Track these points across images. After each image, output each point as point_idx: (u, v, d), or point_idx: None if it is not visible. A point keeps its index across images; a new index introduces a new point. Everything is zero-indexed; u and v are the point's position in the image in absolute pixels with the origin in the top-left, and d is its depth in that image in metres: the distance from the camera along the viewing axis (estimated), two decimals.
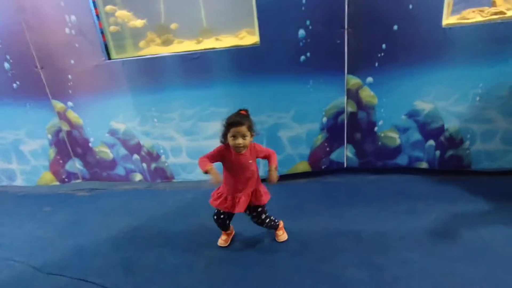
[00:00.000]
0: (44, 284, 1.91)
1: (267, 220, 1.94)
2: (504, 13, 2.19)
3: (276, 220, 1.98)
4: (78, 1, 2.45)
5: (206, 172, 1.74)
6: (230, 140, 1.74)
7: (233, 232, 2.10)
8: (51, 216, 2.69)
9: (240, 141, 1.71)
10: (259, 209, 1.90)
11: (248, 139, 1.74)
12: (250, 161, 1.81)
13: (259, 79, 2.45)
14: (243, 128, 1.70)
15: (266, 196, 1.89)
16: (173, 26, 2.73)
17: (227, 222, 1.98)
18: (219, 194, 1.88)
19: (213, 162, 1.79)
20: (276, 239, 2.01)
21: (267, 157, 1.87)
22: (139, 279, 1.85)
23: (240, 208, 1.82)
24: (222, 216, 1.94)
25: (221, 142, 1.82)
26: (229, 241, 2.04)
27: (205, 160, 1.78)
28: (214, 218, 1.97)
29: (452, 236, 1.89)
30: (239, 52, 2.43)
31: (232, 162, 1.79)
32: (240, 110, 1.79)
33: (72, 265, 2.04)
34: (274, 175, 1.81)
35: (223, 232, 2.04)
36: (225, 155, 1.80)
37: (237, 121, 1.70)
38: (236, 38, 2.59)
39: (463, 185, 2.42)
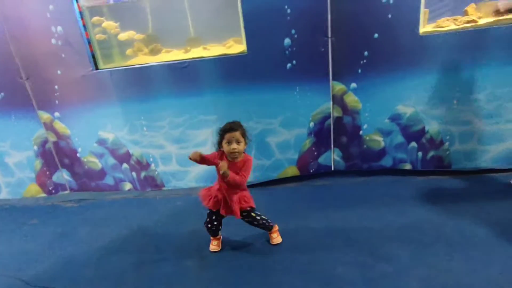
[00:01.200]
0: None
1: (258, 218, 1.97)
2: (476, 22, 2.33)
3: (269, 221, 2.02)
4: (64, 12, 2.45)
5: (190, 158, 1.79)
6: (225, 146, 1.80)
7: (221, 236, 2.12)
8: (38, 228, 2.64)
9: (234, 145, 1.77)
10: (249, 209, 1.94)
11: (242, 145, 1.81)
12: (238, 172, 1.84)
13: (247, 87, 2.51)
14: (237, 134, 1.78)
15: (247, 203, 1.92)
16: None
17: (219, 227, 2.01)
18: (210, 196, 1.90)
19: (202, 161, 1.82)
20: (271, 241, 2.04)
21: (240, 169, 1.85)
22: None
23: (235, 212, 1.87)
24: (215, 222, 1.97)
25: (216, 150, 1.89)
26: (220, 246, 2.06)
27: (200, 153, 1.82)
28: (207, 226, 2.00)
29: (436, 233, 1.98)
30: (227, 60, 2.49)
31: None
32: (233, 121, 1.86)
33: (61, 277, 2.01)
34: (224, 167, 1.74)
35: (213, 238, 2.06)
36: (217, 158, 1.85)
37: (231, 127, 1.79)
38: (223, 47, 2.64)
39: (445, 184, 2.53)
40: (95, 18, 2.60)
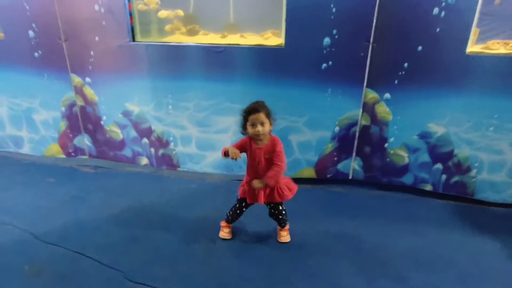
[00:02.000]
0: (42, 252, 1.93)
1: (283, 212, 1.96)
2: None
3: (287, 218, 2.01)
4: None
5: (224, 155, 1.75)
6: (249, 129, 1.75)
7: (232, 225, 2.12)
8: (54, 187, 2.71)
9: (259, 128, 1.71)
10: (280, 205, 1.94)
11: (267, 126, 1.74)
12: (267, 157, 1.80)
13: (278, 81, 2.48)
14: (261, 115, 1.70)
15: (288, 193, 1.88)
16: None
17: (241, 216, 2.02)
18: (243, 184, 1.91)
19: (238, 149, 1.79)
20: (279, 239, 2.03)
21: (273, 160, 1.80)
22: (136, 261, 1.87)
23: (260, 199, 1.85)
24: (244, 209, 1.97)
25: (242, 133, 1.83)
26: (231, 234, 2.05)
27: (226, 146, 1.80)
28: (233, 209, 2.00)
29: (450, 261, 1.91)
30: (263, 51, 2.46)
31: (254, 155, 1.81)
32: (257, 101, 1.79)
33: (71, 238, 2.05)
34: (257, 184, 1.79)
35: (227, 224, 2.06)
36: (247, 146, 1.81)
37: (254, 108, 1.72)
38: (261, 38, 2.61)
39: (465, 211, 2.44)
40: None
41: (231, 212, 2.01)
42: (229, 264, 1.85)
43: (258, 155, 1.80)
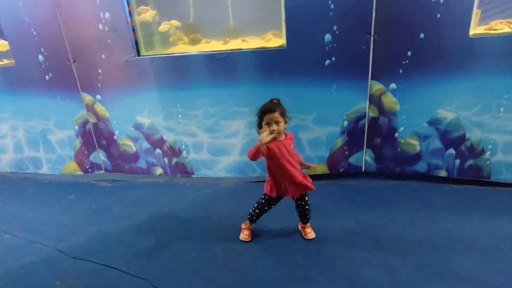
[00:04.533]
0: (71, 268, 2.00)
1: (309, 202, 2.00)
2: None
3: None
4: None
5: (255, 156, 1.76)
6: (264, 128, 1.78)
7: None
8: (75, 204, 2.80)
9: (274, 127, 1.75)
10: (306, 196, 1.98)
11: (282, 125, 1.78)
12: (292, 145, 1.86)
13: (283, 81, 2.51)
14: (276, 114, 1.74)
15: (309, 181, 1.92)
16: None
17: (268, 211, 2.05)
18: (273, 185, 1.92)
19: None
20: (305, 236, 2.06)
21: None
22: (161, 268, 1.93)
23: (295, 193, 1.90)
24: (272, 206, 2.01)
25: (258, 132, 1.86)
26: (250, 237, 2.09)
27: (252, 150, 1.79)
28: (259, 207, 2.02)
29: (469, 244, 1.90)
30: (265, 54, 2.49)
31: (277, 151, 1.80)
32: (272, 99, 1.83)
33: (97, 251, 2.13)
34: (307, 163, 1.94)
35: (247, 226, 2.09)
36: (269, 147, 1.79)
37: (269, 107, 1.76)
38: (262, 40, 2.65)
39: (482, 195, 2.42)
40: (142, 8, 2.68)
41: (257, 210, 2.03)
42: (249, 266, 1.89)
43: (288, 146, 1.83)
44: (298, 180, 1.86)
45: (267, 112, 1.76)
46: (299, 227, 2.11)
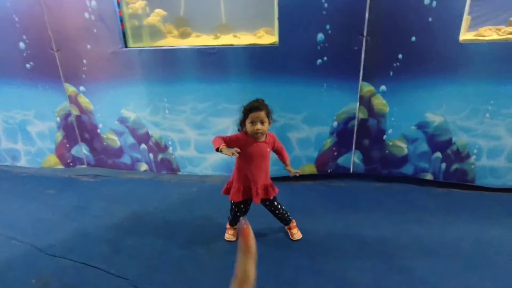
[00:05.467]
0: (48, 265, 1.92)
1: (279, 206, 1.97)
2: None
3: (289, 214, 2.02)
4: None
5: (217, 150, 1.70)
6: (248, 126, 1.75)
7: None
8: (55, 199, 2.69)
9: (259, 126, 1.72)
10: (271, 199, 1.94)
11: (266, 125, 1.76)
12: (268, 150, 1.84)
13: (274, 79, 2.47)
14: (262, 114, 1.71)
15: (274, 191, 1.93)
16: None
17: (243, 215, 1.98)
18: (235, 188, 1.88)
19: (226, 143, 1.77)
20: (291, 237, 2.03)
21: (279, 151, 1.95)
22: (143, 268, 1.87)
23: (258, 199, 1.86)
24: (243, 210, 1.94)
25: (238, 130, 1.84)
26: (236, 236, 2.05)
27: (220, 139, 1.76)
28: (232, 213, 1.98)
29: (454, 248, 1.92)
30: (257, 50, 2.45)
31: (251, 151, 1.79)
32: (257, 99, 1.80)
33: (76, 249, 2.05)
34: (291, 168, 1.95)
35: (231, 226, 2.06)
36: (243, 143, 1.77)
37: (256, 106, 1.72)
38: (254, 37, 2.61)
39: (466, 198, 2.46)
40: None
41: (231, 216, 2.01)
42: (233, 266, 1.85)
43: (262, 149, 1.81)
44: (256, 186, 1.84)
45: (254, 110, 1.72)
46: (285, 228, 2.08)
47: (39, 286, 1.76)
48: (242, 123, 1.80)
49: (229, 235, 2.05)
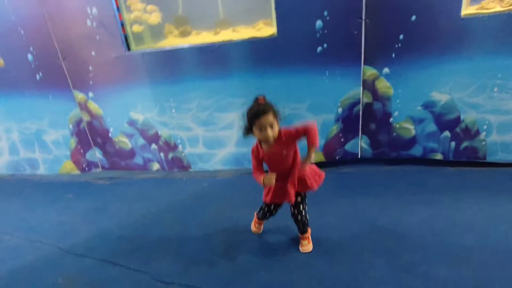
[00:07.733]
0: (73, 264, 2.02)
1: (303, 213, 1.81)
2: None
3: (308, 223, 1.87)
4: None
5: (263, 185, 1.63)
6: (257, 133, 1.56)
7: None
8: (73, 202, 2.80)
9: (269, 132, 1.53)
10: (300, 198, 1.78)
11: (276, 127, 1.56)
12: (284, 152, 1.62)
13: (276, 70, 2.49)
14: (270, 117, 1.51)
15: (313, 181, 1.73)
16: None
17: (272, 215, 1.94)
18: (266, 189, 1.78)
19: (262, 167, 1.68)
20: (300, 248, 1.87)
21: (305, 134, 1.61)
22: (162, 262, 1.94)
23: (290, 197, 1.70)
24: (274, 211, 1.90)
25: (244, 136, 1.65)
26: (261, 230, 2.05)
27: (256, 172, 1.66)
28: (262, 212, 1.92)
29: (467, 226, 1.92)
30: (256, 43, 2.46)
31: (268, 157, 1.66)
32: (257, 98, 1.57)
33: (97, 248, 2.14)
34: (309, 162, 1.65)
35: (259, 220, 2.02)
36: (261, 155, 1.65)
37: (261, 110, 1.50)
38: (253, 30, 2.62)
39: (478, 176, 2.43)
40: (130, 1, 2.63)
41: (261, 212, 1.95)
42: (248, 259, 1.90)
43: (277, 152, 1.63)
44: (287, 184, 1.68)
45: (260, 115, 1.50)
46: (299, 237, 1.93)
47: (65, 285, 1.86)
48: (247, 130, 1.60)
49: (255, 228, 2.04)
